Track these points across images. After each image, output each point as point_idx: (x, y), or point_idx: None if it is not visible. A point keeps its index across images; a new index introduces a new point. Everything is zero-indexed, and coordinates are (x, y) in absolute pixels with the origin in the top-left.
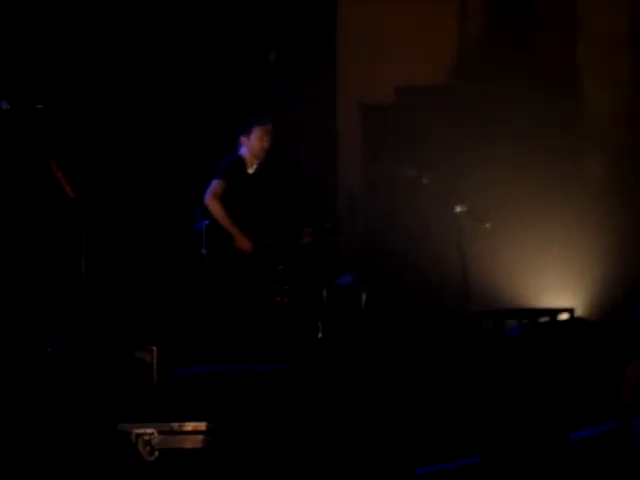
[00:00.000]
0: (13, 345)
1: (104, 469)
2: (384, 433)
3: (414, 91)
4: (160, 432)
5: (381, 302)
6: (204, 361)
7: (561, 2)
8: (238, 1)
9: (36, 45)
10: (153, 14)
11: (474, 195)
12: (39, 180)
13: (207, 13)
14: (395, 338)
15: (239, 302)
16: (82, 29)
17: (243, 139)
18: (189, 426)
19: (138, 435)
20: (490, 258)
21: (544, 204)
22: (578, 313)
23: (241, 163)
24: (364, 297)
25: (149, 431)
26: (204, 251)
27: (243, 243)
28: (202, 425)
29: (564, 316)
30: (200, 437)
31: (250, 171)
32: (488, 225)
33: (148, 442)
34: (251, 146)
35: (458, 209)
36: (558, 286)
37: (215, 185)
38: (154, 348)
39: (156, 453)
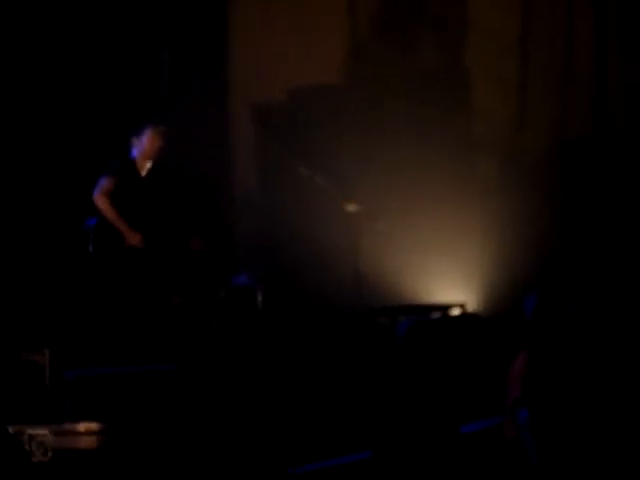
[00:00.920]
0: None
1: None
2: (270, 432)
3: (306, 91)
4: (53, 433)
5: (277, 301)
6: (96, 362)
7: (451, 3)
8: (130, 2)
9: None
10: (45, 13)
11: (366, 194)
12: None
13: (100, 14)
14: (291, 336)
15: (132, 302)
16: None
17: (134, 140)
18: (82, 427)
19: (31, 436)
20: (383, 256)
21: (436, 202)
22: (470, 308)
23: (131, 164)
24: (260, 296)
25: (42, 432)
26: (91, 249)
27: (132, 237)
28: (95, 426)
29: (456, 311)
30: (93, 437)
31: (142, 173)
32: (380, 223)
33: (41, 443)
34: (142, 147)
35: (351, 208)
36: (450, 282)
37: (104, 182)
38: (47, 350)
39: (50, 454)
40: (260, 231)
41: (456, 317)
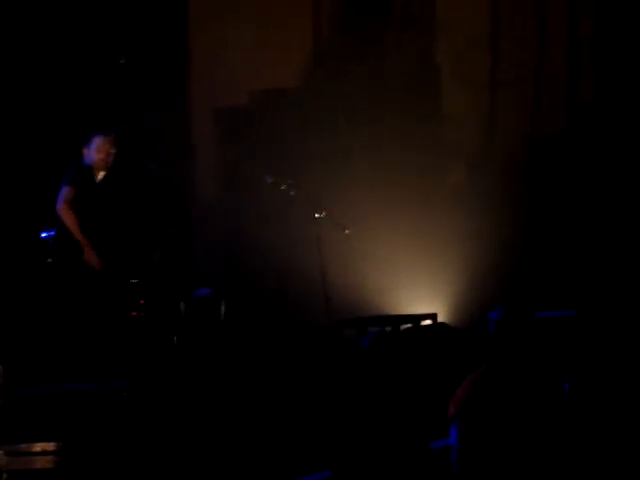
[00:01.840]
0: None
1: None
2: (230, 450)
3: (268, 94)
4: (8, 453)
5: (241, 313)
6: (51, 379)
7: (419, 2)
8: (87, 5)
9: None
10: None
11: (333, 201)
12: None
13: (56, 17)
14: (255, 350)
15: (89, 316)
16: None
17: (84, 150)
18: (37, 447)
19: None
20: (351, 265)
21: (404, 210)
22: (441, 318)
23: (87, 171)
24: (223, 309)
25: None
26: (50, 260)
27: (92, 258)
28: (50, 445)
29: (427, 322)
30: (49, 457)
31: (98, 178)
32: (348, 231)
33: None
34: (91, 157)
35: (317, 215)
36: (421, 292)
37: (65, 192)
38: (1, 367)
39: (4, 475)
40: (222, 241)
41: (424, 327)
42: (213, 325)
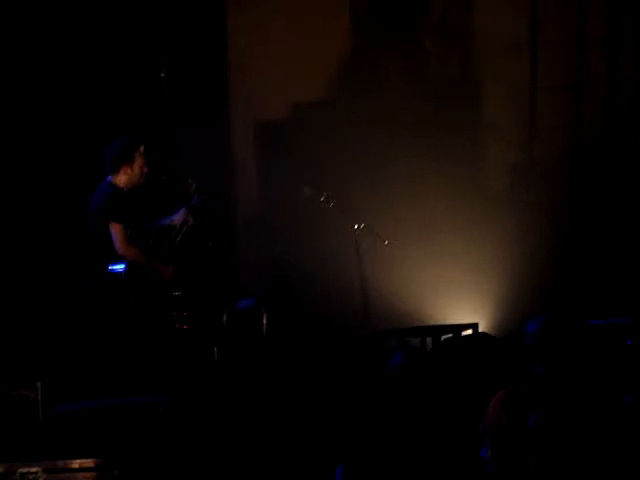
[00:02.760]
0: None
1: None
2: (274, 464)
3: (307, 106)
4: (46, 470)
5: (282, 325)
6: (90, 395)
7: (457, 8)
8: (128, 18)
9: None
10: (45, 28)
11: (372, 212)
12: None
13: (97, 31)
14: (296, 361)
15: (137, 331)
16: None
17: (127, 169)
18: (76, 463)
19: (23, 474)
20: (391, 276)
21: (446, 219)
22: (482, 328)
23: (122, 196)
24: (265, 320)
25: (34, 469)
26: (132, 301)
27: (166, 271)
28: (89, 462)
29: (468, 332)
30: (87, 474)
31: (134, 195)
32: (387, 242)
33: None
34: (134, 174)
35: (357, 226)
36: (462, 302)
37: (118, 231)
38: (38, 384)
39: None
40: (263, 252)
41: (465, 337)
42: (255, 336)
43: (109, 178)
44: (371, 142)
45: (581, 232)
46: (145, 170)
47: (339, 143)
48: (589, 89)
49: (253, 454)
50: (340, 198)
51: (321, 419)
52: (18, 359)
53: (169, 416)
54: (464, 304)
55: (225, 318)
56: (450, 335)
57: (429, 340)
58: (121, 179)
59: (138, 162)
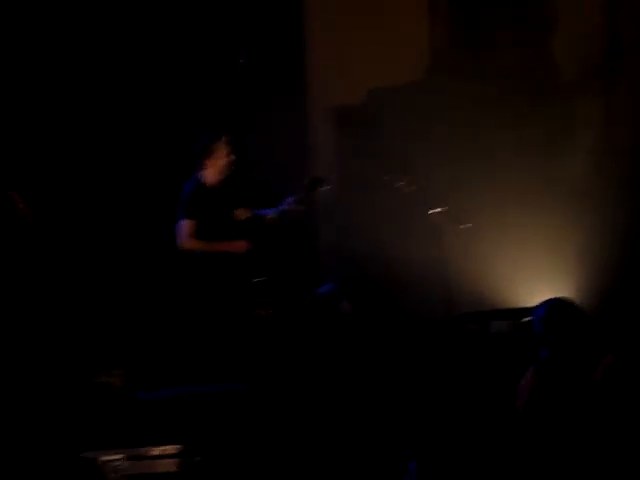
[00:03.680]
0: None
1: None
2: (354, 453)
3: (385, 92)
4: (128, 457)
5: (363, 311)
6: (171, 383)
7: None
8: (206, 8)
9: None
10: (119, 19)
11: (450, 196)
12: None
13: (175, 19)
14: (377, 346)
15: (219, 318)
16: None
17: (208, 161)
18: (157, 450)
19: (105, 462)
20: (470, 259)
21: (523, 202)
22: None
23: (201, 190)
24: (347, 306)
25: (117, 457)
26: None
27: (238, 247)
28: (170, 448)
29: None
30: (169, 461)
31: (216, 186)
32: (466, 226)
33: (116, 468)
34: (217, 165)
35: (435, 211)
36: (540, 285)
37: (186, 226)
38: (121, 371)
39: None
40: (342, 239)
41: None
42: (336, 321)
43: (197, 174)
44: (449, 128)
45: None
46: (232, 158)
47: (417, 129)
48: None
49: (332, 438)
50: (418, 183)
51: (402, 406)
52: (101, 347)
53: (250, 403)
54: (544, 288)
55: (307, 304)
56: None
57: (509, 323)
58: (209, 173)
59: (220, 154)
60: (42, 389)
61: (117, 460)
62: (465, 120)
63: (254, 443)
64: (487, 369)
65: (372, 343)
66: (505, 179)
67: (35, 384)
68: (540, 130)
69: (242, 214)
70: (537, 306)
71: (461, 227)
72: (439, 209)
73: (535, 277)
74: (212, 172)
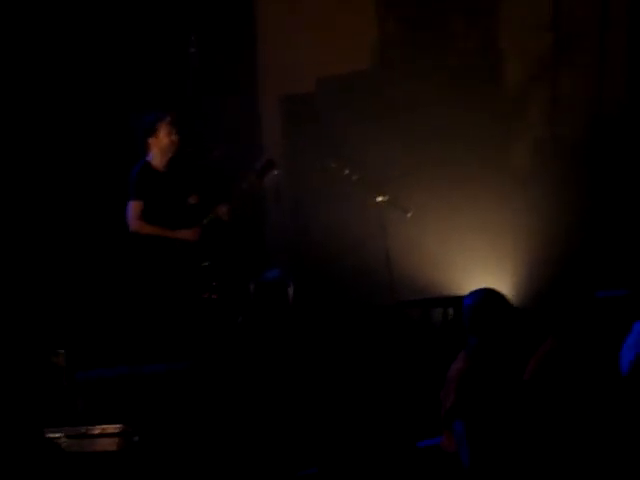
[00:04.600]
0: None
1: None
2: (290, 431)
3: (335, 80)
4: (69, 436)
5: (307, 295)
6: (112, 362)
7: None
8: None
9: None
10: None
11: (395, 184)
12: None
13: (125, 8)
14: (320, 330)
15: (164, 300)
16: None
17: (151, 141)
18: (97, 429)
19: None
20: (413, 247)
21: (467, 190)
22: None
23: (147, 170)
24: (291, 291)
25: (58, 435)
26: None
27: (189, 235)
28: (111, 427)
29: None
30: (109, 439)
31: (162, 169)
32: (410, 214)
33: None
34: (160, 144)
35: (379, 199)
36: (483, 273)
37: (133, 208)
38: (63, 351)
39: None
40: (289, 224)
41: None
42: (281, 306)
43: (144, 157)
44: (395, 116)
45: (602, 206)
46: (174, 138)
47: (363, 117)
48: (611, 63)
49: (274, 420)
50: (363, 171)
51: (344, 387)
52: (47, 327)
53: (189, 382)
54: (486, 276)
55: (252, 288)
56: None
57: (451, 310)
58: (154, 153)
59: (163, 133)
60: None
61: (58, 438)
62: (414, 111)
63: (193, 422)
64: (425, 353)
65: (315, 327)
66: (450, 168)
67: None
68: (487, 122)
69: (192, 200)
70: (466, 296)
71: (406, 215)
72: (385, 197)
73: (477, 266)
74: (157, 152)
